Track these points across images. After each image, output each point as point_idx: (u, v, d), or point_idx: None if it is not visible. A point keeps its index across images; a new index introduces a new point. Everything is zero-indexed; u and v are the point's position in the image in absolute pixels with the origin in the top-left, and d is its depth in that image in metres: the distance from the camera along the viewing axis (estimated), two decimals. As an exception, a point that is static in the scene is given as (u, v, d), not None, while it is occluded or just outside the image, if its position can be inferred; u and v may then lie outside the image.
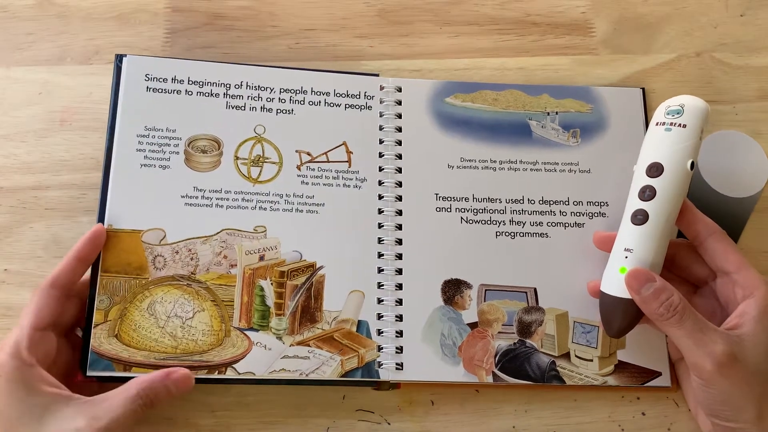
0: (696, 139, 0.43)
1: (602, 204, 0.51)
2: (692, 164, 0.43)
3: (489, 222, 0.51)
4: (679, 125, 0.43)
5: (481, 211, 0.51)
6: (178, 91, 0.51)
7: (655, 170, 0.43)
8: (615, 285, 0.43)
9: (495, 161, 0.52)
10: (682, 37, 0.58)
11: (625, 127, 0.53)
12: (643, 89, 0.55)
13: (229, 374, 0.46)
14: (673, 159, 0.43)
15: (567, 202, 0.51)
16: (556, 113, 0.53)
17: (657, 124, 0.44)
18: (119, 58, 0.51)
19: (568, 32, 0.58)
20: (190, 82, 0.52)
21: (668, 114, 0.44)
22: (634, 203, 0.44)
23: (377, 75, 0.54)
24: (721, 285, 0.45)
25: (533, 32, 0.58)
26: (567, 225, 0.51)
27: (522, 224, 0.51)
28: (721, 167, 0.53)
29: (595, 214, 0.51)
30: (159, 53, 0.56)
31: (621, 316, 0.43)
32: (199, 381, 0.45)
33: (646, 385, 0.47)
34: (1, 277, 0.50)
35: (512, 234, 0.50)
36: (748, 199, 0.52)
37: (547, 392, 0.48)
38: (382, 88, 0.53)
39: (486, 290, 0.49)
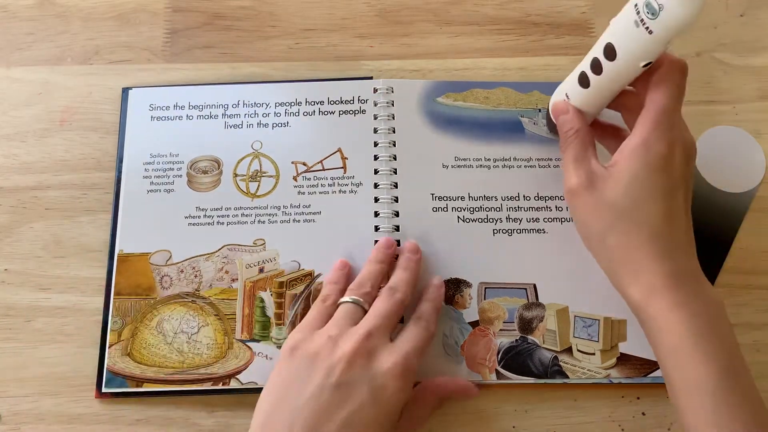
0: (660, 46, 0.39)
1: None
2: (646, 65, 0.40)
3: (486, 220, 0.51)
4: (647, 29, 0.38)
5: (477, 209, 0.51)
6: (180, 117, 0.53)
7: (608, 52, 0.41)
8: (552, 108, 0.48)
9: (489, 159, 0.52)
10: (682, 37, 0.58)
11: (615, 121, 0.53)
12: None
13: (233, 385, 0.47)
14: (628, 53, 0.40)
15: (562, 197, 0.51)
16: (548, 109, 0.53)
17: (635, 6, 0.38)
18: (125, 91, 0.54)
19: (568, 32, 0.58)
20: (191, 107, 0.54)
21: (647, 7, 0.38)
22: (586, 64, 0.44)
23: (371, 78, 0.55)
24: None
25: (533, 32, 0.58)
26: (563, 220, 0.51)
27: (519, 221, 0.51)
28: (717, 163, 0.53)
29: None
30: (159, 53, 0.56)
31: (554, 129, 0.49)
32: (203, 393, 0.47)
33: (648, 376, 0.47)
34: (1, 277, 0.50)
35: (509, 231, 0.51)
36: (744, 195, 0.52)
37: (548, 392, 0.48)
38: (375, 90, 0.54)
39: (486, 288, 0.49)
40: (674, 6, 0.36)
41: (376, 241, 0.50)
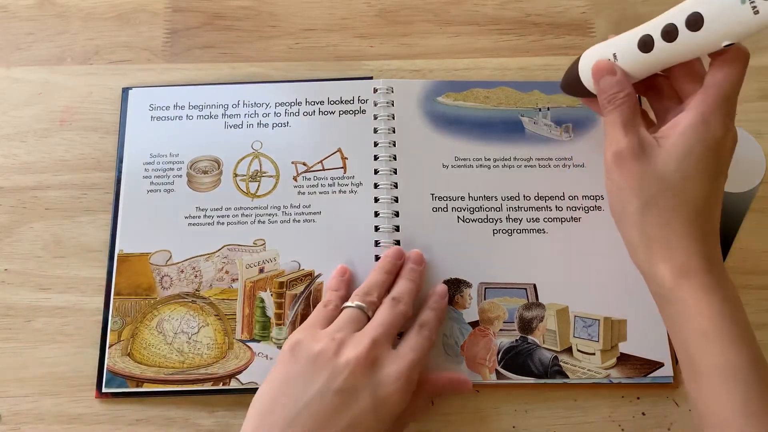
0: (757, 29, 0.37)
1: (597, 198, 0.51)
2: (728, 45, 0.38)
3: (486, 220, 0.51)
4: (754, 9, 0.36)
5: (477, 209, 0.51)
6: (180, 117, 0.54)
7: (694, 22, 0.38)
8: (586, 69, 0.45)
9: (489, 159, 0.52)
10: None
11: None
12: None
13: (233, 385, 0.47)
14: (718, 27, 0.38)
15: (562, 197, 0.51)
16: (548, 109, 0.54)
17: None
18: (125, 91, 0.54)
19: (568, 32, 0.58)
20: (191, 107, 0.54)
21: None
22: (654, 28, 0.40)
23: (371, 78, 0.55)
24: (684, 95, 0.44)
25: (533, 32, 0.58)
26: (563, 220, 0.51)
27: (519, 221, 0.51)
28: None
29: (591, 208, 0.51)
30: (159, 53, 0.56)
31: (575, 89, 0.47)
32: (203, 393, 0.47)
33: (649, 376, 0.47)
34: (1, 277, 0.50)
35: (509, 231, 0.51)
36: (744, 195, 0.52)
37: (548, 392, 0.48)
38: (375, 90, 0.54)
39: (486, 288, 0.49)
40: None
41: (376, 242, 0.50)
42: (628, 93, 0.42)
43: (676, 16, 0.39)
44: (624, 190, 0.41)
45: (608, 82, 0.43)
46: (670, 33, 0.40)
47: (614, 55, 0.43)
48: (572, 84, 0.47)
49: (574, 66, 0.46)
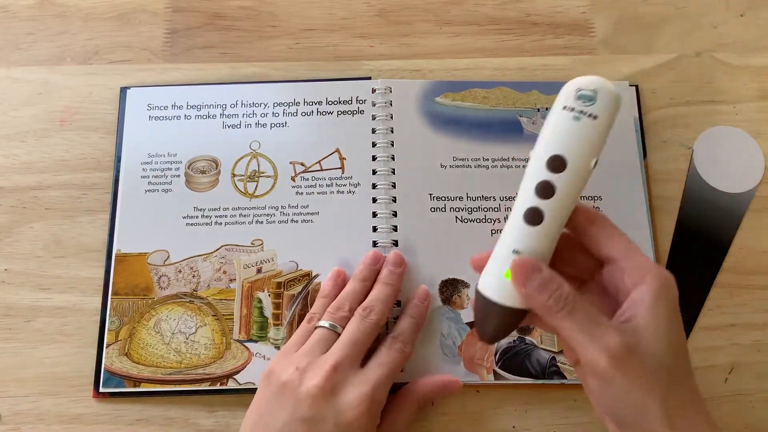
0: (606, 134, 0.36)
1: (596, 198, 0.51)
2: (596, 163, 0.36)
3: (484, 220, 0.51)
4: (590, 116, 0.36)
5: (475, 209, 0.51)
6: (178, 117, 0.54)
7: (557, 165, 0.36)
8: (497, 289, 0.37)
9: (487, 159, 0.52)
10: (682, 37, 0.58)
11: (615, 121, 0.53)
12: (637, 86, 0.55)
13: (231, 385, 0.47)
14: (579, 154, 0.35)
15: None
16: (547, 109, 0.53)
17: (565, 108, 0.36)
18: (123, 91, 0.54)
19: (568, 32, 0.58)
20: (189, 107, 0.54)
21: (579, 99, 0.36)
22: (528, 199, 0.36)
23: (369, 78, 0.55)
24: (609, 274, 0.38)
25: (533, 32, 0.58)
26: None
27: None
28: (717, 163, 0.53)
29: None
30: (159, 53, 0.56)
31: (498, 323, 0.37)
32: (201, 393, 0.47)
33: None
34: (1, 277, 0.50)
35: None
36: (744, 195, 0.52)
37: (547, 392, 0.48)
38: (373, 90, 0.54)
39: (485, 290, 0.49)
40: (606, 85, 0.36)
41: (374, 242, 0.50)
42: (568, 285, 0.35)
43: (537, 170, 0.36)
44: (635, 393, 0.34)
45: (539, 283, 0.35)
46: (544, 189, 0.36)
47: (515, 251, 0.36)
48: (499, 319, 0.37)
49: (482, 303, 0.37)
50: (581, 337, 0.34)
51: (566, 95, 0.37)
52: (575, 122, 0.36)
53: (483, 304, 0.37)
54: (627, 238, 0.38)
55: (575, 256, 0.40)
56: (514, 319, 0.37)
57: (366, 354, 0.44)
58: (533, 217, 0.36)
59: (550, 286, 0.35)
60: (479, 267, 0.38)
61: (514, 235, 0.37)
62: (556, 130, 0.36)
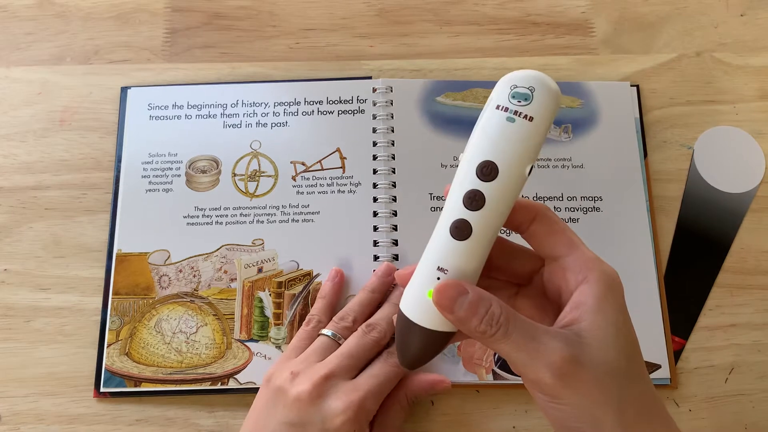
0: (543, 137, 0.32)
1: (596, 198, 0.51)
2: (531, 169, 0.32)
3: (484, 220, 0.51)
4: (526, 117, 0.32)
5: (475, 209, 0.51)
6: (179, 117, 0.54)
7: (488, 172, 0.32)
8: (420, 310, 0.33)
9: None
10: (682, 37, 0.58)
11: (616, 121, 0.53)
12: (638, 86, 0.55)
13: (232, 385, 0.47)
14: (512, 161, 0.32)
15: (561, 198, 0.51)
16: (403, 322, 0.53)
17: (498, 107, 0.32)
18: (124, 90, 0.54)
19: (568, 32, 0.58)
20: (189, 107, 0.54)
21: (514, 97, 0.32)
22: (456, 210, 0.33)
23: (369, 78, 0.55)
24: (550, 274, 0.35)
25: (533, 32, 0.58)
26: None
27: None
28: (717, 163, 0.53)
29: (590, 209, 0.51)
30: (159, 53, 0.56)
31: (420, 347, 0.34)
32: (201, 393, 0.47)
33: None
34: (1, 277, 0.50)
35: (507, 231, 0.50)
36: (744, 195, 0.52)
37: (547, 392, 0.48)
38: (374, 90, 0.54)
39: (485, 290, 0.49)
40: (544, 81, 0.32)
41: (374, 242, 0.50)
42: (499, 303, 0.32)
43: (466, 177, 0.33)
44: (586, 408, 0.32)
45: (469, 305, 0.32)
46: (472, 199, 0.32)
47: (440, 269, 0.33)
48: (421, 343, 0.34)
49: (403, 325, 0.34)
50: (521, 357, 0.32)
51: (500, 92, 0.33)
52: (509, 124, 0.32)
53: (404, 325, 0.34)
54: (571, 231, 0.35)
55: (509, 262, 0.37)
56: (438, 342, 0.34)
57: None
58: (460, 230, 0.32)
59: (480, 311, 0.32)
60: (404, 283, 0.35)
61: (440, 251, 0.33)
62: (488, 133, 0.32)
